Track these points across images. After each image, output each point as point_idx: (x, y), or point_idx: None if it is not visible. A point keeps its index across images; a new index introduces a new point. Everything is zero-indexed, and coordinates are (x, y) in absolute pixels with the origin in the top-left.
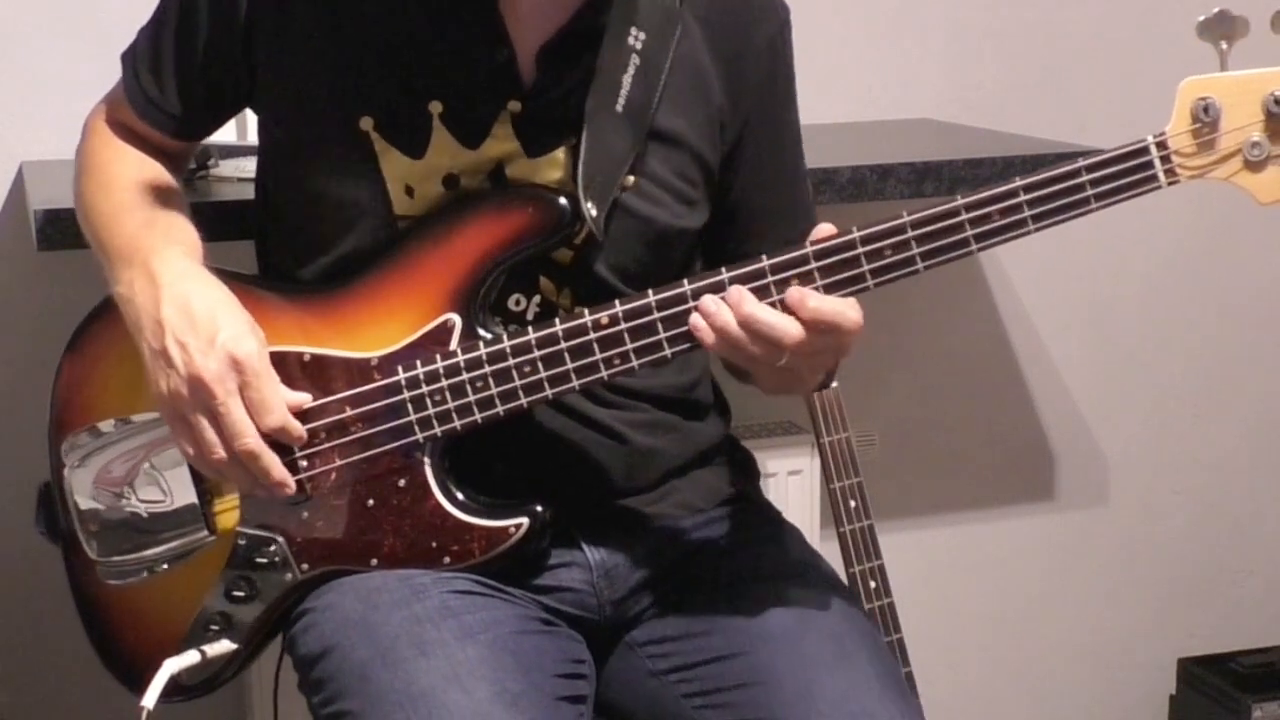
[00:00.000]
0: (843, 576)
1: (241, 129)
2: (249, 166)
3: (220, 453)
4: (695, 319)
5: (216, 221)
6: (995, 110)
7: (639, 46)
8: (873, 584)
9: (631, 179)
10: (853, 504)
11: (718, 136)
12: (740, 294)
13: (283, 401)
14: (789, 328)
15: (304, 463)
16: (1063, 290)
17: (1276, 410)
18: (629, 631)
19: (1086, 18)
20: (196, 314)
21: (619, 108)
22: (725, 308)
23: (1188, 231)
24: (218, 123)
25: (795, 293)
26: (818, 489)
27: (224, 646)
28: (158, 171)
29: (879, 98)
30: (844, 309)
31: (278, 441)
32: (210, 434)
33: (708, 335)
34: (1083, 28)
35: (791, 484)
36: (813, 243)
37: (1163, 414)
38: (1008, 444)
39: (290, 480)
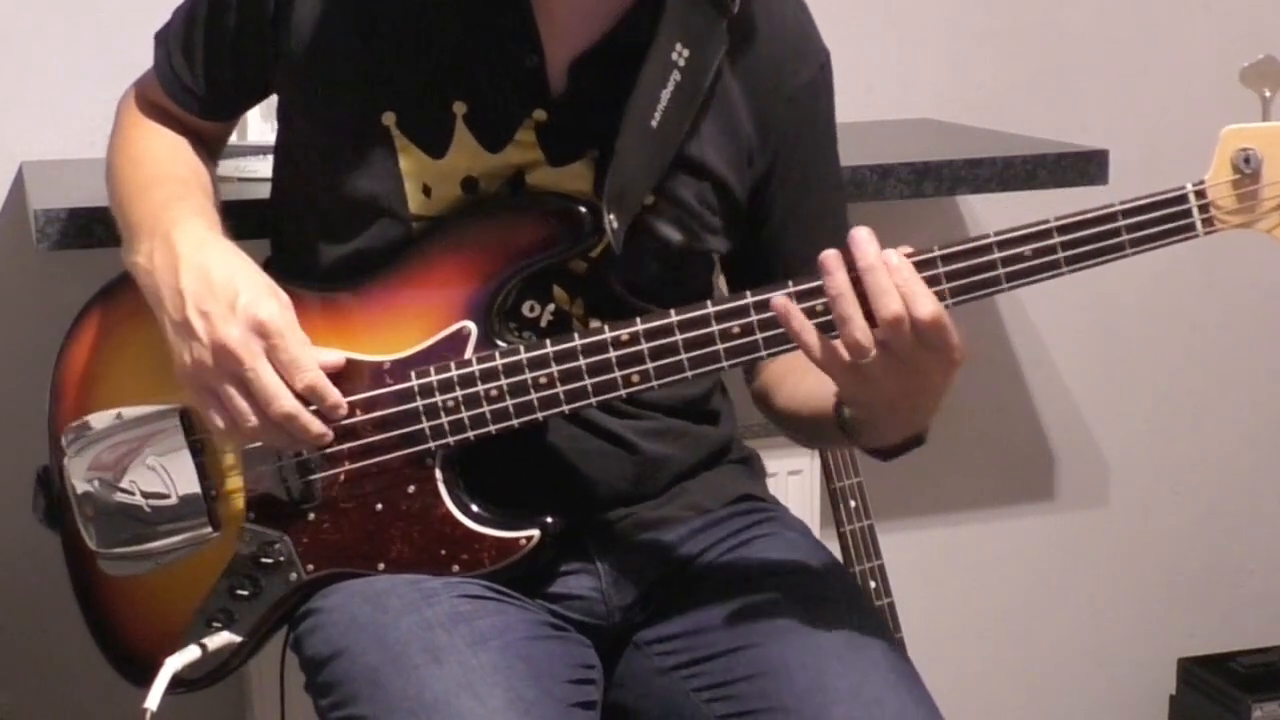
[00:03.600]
0: None
1: (242, 129)
2: (249, 166)
3: (254, 420)
4: (781, 300)
5: None
6: (995, 110)
7: (681, 64)
8: (873, 584)
9: (651, 198)
10: (853, 504)
11: (745, 168)
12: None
13: (314, 359)
14: (895, 304)
15: (313, 464)
16: (1063, 291)
17: (1276, 410)
18: (637, 633)
19: (1086, 18)
20: (215, 281)
21: (654, 123)
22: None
23: None
24: (246, 105)
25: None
26: (818, 489)
27: (225, 640)
28: (188, 152)
29: (879, 98)
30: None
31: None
32: (241, 402)
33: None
34: (1083, 28)
35: (791, 484)
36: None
37: (1163, 414)
38: (1008, 444)
39: (329, 432)
